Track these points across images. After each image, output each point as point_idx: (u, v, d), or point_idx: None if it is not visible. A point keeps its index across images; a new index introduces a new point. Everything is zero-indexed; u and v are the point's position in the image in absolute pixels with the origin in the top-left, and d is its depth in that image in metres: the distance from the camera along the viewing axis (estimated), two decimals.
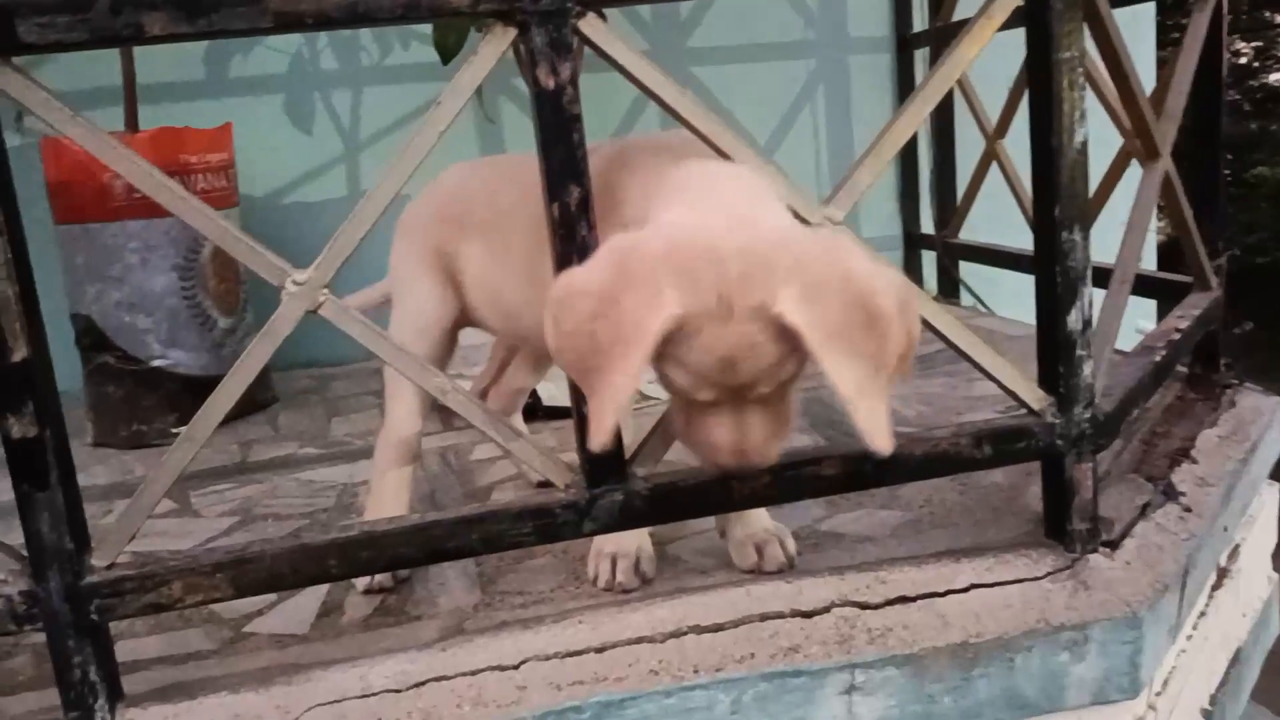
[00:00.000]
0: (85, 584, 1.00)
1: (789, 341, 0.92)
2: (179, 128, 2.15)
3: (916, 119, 1.14)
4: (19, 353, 0.97)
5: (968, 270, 2.76)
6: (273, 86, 2.66)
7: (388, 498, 1.40)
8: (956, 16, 2.62)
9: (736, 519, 1.29)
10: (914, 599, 1.16)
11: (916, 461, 1.15)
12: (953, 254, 2.73)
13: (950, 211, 2.74)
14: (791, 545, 1.26)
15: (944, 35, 2.66)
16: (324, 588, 1.34)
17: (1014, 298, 2.71)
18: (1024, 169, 2.42)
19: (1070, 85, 1.13)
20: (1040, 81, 1.14)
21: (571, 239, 1.04)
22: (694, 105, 1.07)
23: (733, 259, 0.91)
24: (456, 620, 1.23)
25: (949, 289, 2.76)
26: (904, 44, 2.94)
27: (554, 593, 1.27)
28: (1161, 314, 2.22)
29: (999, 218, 2.63)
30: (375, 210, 1.05)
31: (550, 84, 1.02)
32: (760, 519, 1.29)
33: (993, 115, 2.52)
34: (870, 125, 2.99)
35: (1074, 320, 1.17)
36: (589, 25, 1.03)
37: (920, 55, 2.91)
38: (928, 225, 2.89)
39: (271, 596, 1.33)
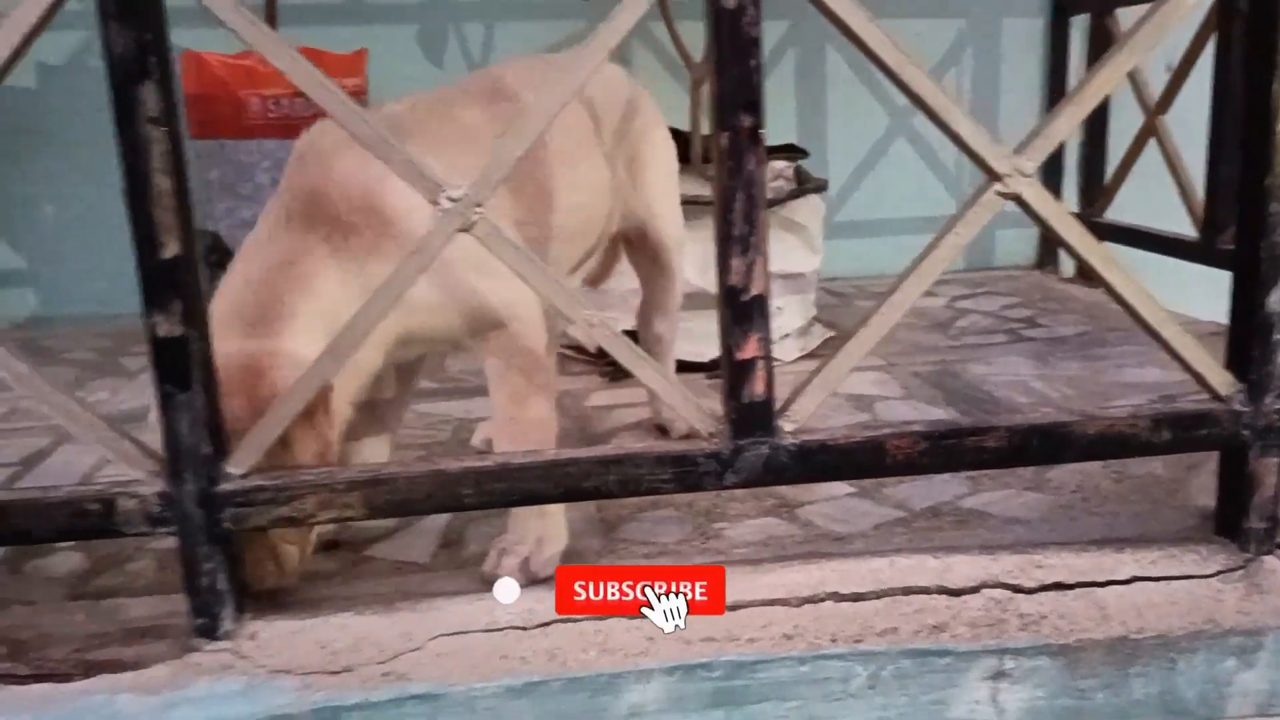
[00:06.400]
0: (220, 490, 0.98)
1: None
2: (316, 49, 2.13)
3: (1122, 69, 1.04)
4: (170, 249, 0.95)
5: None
6: (407, 16, 2.63)
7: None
8: None
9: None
10: (1071, 587, 1.08)
11: (1089, 440, 1.07)
12: (1098, 235, 2.56)
13: (1097, 189, 2.59)
14: (540, 556, 1.14)
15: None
16: (444, 519, 1.32)
17: (1160, 288, 2.56)
18: (1185, 148, 2.30)
19: None
20: (1261, 24, 1.02)
21: (739, 171, 0.98)
22: (904, 58, 0.99)
23: None
24: (579, 564, 1.19)
25: (1088, 270, 2.61)
26: (1060, 9, 2.78)
27: (679, 546, 1.23)
28: None
29: (1148, 200, 2.48)
30: (536, 128, 1.00)
31: (731, 2, 0.95)
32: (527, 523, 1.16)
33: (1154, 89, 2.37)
34: (1017, 93, 2.85)
35: (1275, 301, 1.07)
36: None
37: (1077, 22, 2.75)
38: (1070, 202, 2.74)
39: (390, 524, 1.31)
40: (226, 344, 1.01)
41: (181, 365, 0.96)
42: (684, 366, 1.89)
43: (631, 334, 1.95)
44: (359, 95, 2.23)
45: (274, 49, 0.95)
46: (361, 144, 0.99)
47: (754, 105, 0.97)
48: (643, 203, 1.50)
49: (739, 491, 1.35)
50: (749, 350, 1.02)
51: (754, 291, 1.00)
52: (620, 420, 1.73)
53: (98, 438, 0.97)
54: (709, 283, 1.96)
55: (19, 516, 0.98)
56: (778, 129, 2.29)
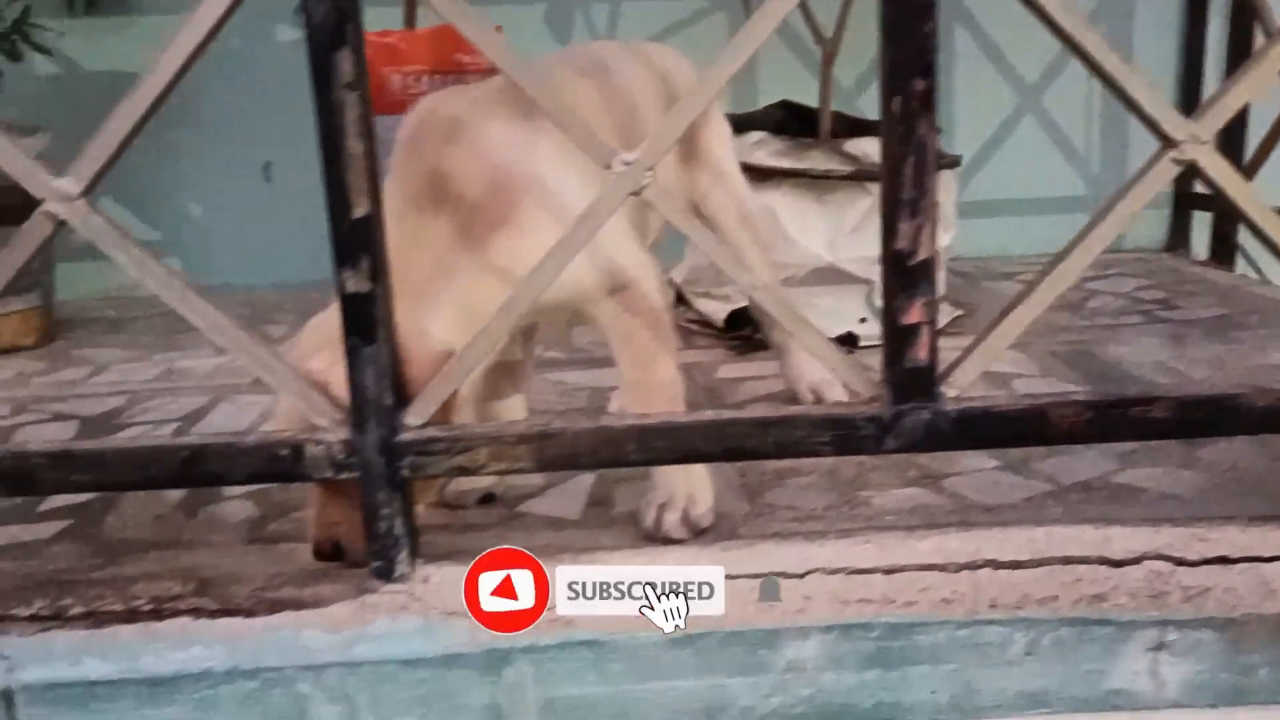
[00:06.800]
0: (400, 440, 1.03)
1: None
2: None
3: None
4: (360, 209, 0.99)
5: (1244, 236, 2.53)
6: None
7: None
8: None
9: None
10: (1235, 561, 1.06)
11: (1259, 413, 1.05)
12: (1234, 216, 2.50)
13: (1238, 168, 2.51)
14: (695, 510, 1.17)
15: None
16: (588, 480, 1.36)
17: None
18: None
19: None
20: None
21: (911, 135, 0.99)
22: (1083, 22, 0.98)
23: None
24: (729, 525, 1.21)
25: (1224, 254, 2.54)
26: None
27: (827, 512, 1.24)
28: None
29: None
30: (705, 98, 1.02)
31: None
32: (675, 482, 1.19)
33: None
34: (1152, 71, 2.77)
35: None
36: None
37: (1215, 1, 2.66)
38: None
39: (540, 483, 1.35)
40: None
41: (367, 319, 1.01)
42: None
43: (743, 311, 1.98)
44: (498, 72, 2.27)
45: (468, 21, 0.99)
46: (542, 112, 1.03)
47: (929, 69, 0.97)
48: (703, 177, 1.53)
49: (881, 462, 1.36)
50: (913, 315, 1.03)
51: (921, 256, 1.01)
52: (751, 392, 1.75)
53: (293, 389, 1.03)
54: (838, 258, 1.97)
55: (214, 460, 1.04)
56: None
